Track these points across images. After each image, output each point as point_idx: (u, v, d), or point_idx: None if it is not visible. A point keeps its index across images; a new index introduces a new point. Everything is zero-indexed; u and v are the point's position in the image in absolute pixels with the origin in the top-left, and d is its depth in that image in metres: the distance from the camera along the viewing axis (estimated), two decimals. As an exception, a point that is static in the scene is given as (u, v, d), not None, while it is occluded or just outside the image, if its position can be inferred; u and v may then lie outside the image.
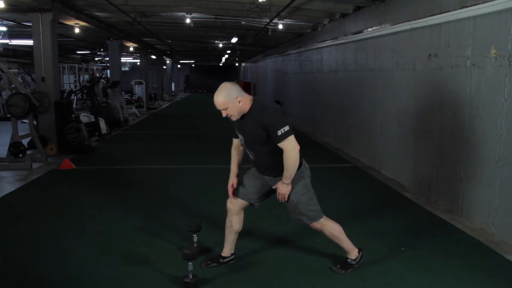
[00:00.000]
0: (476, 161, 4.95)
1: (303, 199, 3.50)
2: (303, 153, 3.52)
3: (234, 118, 3.42)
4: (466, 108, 5.13)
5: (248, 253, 4.09)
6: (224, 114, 3.36)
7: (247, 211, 3.81)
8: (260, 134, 3.35)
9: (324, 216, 3.62)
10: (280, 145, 3.29)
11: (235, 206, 3.71)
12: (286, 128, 3.27)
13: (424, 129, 6.16)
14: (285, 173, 3.36)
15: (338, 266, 3.76)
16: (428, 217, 5.33)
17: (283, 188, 3.41)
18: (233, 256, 3.88)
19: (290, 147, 3.29)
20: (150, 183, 6.86)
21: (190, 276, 3.42)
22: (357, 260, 3.72)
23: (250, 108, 3.37)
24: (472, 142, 5.03)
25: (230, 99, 3.30)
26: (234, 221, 3.75)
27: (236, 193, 3.70)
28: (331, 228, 3.65)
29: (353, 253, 3.72)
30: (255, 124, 3.34)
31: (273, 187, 3.53)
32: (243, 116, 3.40)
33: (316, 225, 3.61)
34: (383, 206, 5.77)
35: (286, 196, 3.44)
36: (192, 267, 3.41)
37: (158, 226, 4.85)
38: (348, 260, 3.73)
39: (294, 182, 3.45)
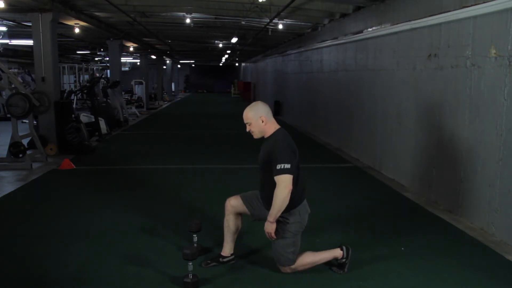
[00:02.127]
0: (476, 161, 4.95)
1: (279, 243, 3.53)
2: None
3: (254, 136, 3.58)
4: (466, 108, 5.13)
5: (248, 253, 4.09)
6: (247, 129, 3.56)
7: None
8: (265, 160, 3.46)
9: (295, 257, 3.58)
10: (276, 179, 3.33)
11: (232, 208, 3.75)
12: (288, 166, 3.31)
13: (424, 129, 6.16)
14: (271, 210, 3.38)
15: (337, 267, 3.76)
16: (428, 217, 5.33)
17: (267, 226, 3.46)
18: (233, 256, 3.88)
19: (282, 184, 3.31)
20: (150, 183, 6.86)
21: (190, 276, 3.42)
22: (345, 256, 3.71)
23: (272, 134, 3.52)
24: (472, 142, 5.03)
25: (254, 116, 3.49)
26: (231, 221, 3.77)
27: (242, 196, 3.75)
28: (302, 266, 3.64)
29: (338, 255, 3.71)
30: (267, 150, 3.47)
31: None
32: (265, 139, 3.55)
33: (286, 269, 3.63)
34: (383, 206, 5.77)
35: (272, 234, 3.46)
36: (192, 267, 3.41)
37: (158, 226, 4.86)
38: (339, 261, 3.74)
39: (278, 224, 3.49)
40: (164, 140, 12.02)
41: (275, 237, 3.49)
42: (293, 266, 3.61)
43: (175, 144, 11.29)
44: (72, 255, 4.10)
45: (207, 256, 3.99)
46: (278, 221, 3.49)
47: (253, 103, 3.60)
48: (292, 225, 3.52)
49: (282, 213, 3.45)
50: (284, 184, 3.31)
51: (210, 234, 4.48)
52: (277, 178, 3.33)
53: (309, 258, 3.66)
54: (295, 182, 3.38)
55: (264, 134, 3.54)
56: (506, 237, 4.45)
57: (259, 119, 3.48)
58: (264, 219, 3.60)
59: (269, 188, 3.42)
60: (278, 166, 3.30)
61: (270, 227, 3.45)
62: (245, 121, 3.54)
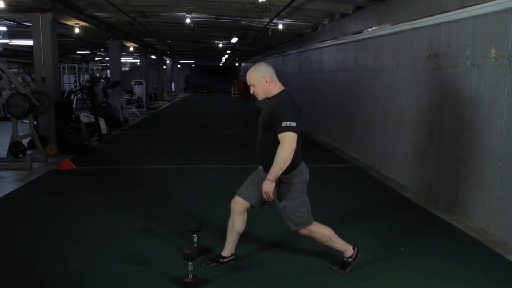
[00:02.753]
0: (476, 161, 4.95)
1: (291, 205, 3.50)
2: (302, 154, 3.52)
3: (258, 97, 3.53)
4: (466, 108, 5.13)
5: (248, 253, 4.09)
6: (251, 90, 3.52)
7: (248, 211, 3.80)
8: (267, 119, 3.41)
9: (314, 222, 3.60)
10: (280, 136, 3.28)
11: (238, 206, 3.70)
12: (293, 124, 3.26)
13: (424, 129, 6.16)
14: (271, 168, 3.31)
15: (338, 266, 3.76)
16: (428, 217, 5.33)
17: (265, 186, 3.37)
18: (233, 256, 3.88)
19: (287, 142, 3.25)
20: (150, 183, 6.86)
21: (190, 276, 3.42)
22: (353, 257, 3.71)
23: (276, 94, 3.47)
24: (472, 142, 5.03)
25: (257, 76, 3.45)
26: (237, 222, 3.74)
27: (240, 194, 3.71)
28: (320, 234, 3.63)
29: (348, 251, 3.71)
30: (270, 109, 3.41)
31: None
32: (268, 99, 3.50)
33: (304, 231, 3.60)
34: (383, 206, 5.77)
35: (270, 194, 3.38)
36: (192, 267, 3.41)
37: (158, 226, 4.85)
38: (345, 258, 3.73)
39: (283, 187, 3.47)
40: (164, 140, 12.02)
41: (272, 197, 3.43)
42: (311, 228, 3.57)
43: (175, 144, 11.29)
44: (72, 255, 4.10)
45: (207, 256, 3.99)
46: (284, 185, 3.45)
47: (256, 64, 3.55)
48: (298, 185, 3.50)
49: (285, 174, 3.41)
50: (289, 142, 3.25)
51: (210, 234, 4.48)
52: (282, 136, 3.27)
53: (329, 232, 3.65)
54: (297, 142, 3.36)
55: (268, 94, 3.49)
56: (506, 237, 4.45)
57: (262, 79, 3.44)
58: (263, 198, 3.58)
59: (270, 147, 3.36)
60: (284, 124, 3.25)
61: (269, 186, 3.35)
62: (249, 83, 3.51)
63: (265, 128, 3.48)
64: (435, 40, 5.78)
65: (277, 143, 3.30)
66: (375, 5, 7.75)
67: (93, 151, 9.63)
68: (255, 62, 28.54)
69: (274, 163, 3.30)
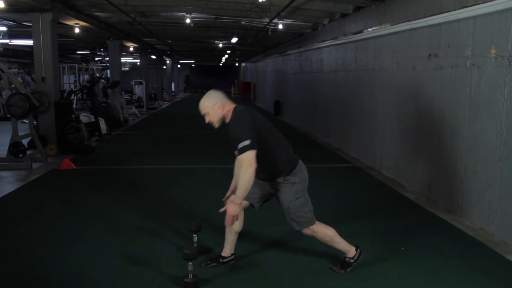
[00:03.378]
0: (476, 161, 4.95)
1: (294, 205, 3.50)
2: (302, 154, 3.52)
3: (215, 126, 3.51)
4: (466, 108, 5.13)
5: (248, 253, 4.09)
6: (206, 119, 3.47)
7: (248, 211, 3.81)
8: (233, 145, 3.37)
9: (316, 222, 3.60)
10: (238, 158, 3.28)
11: None
12: (247, 142, 3.22)
13: (424, 129, 6.16)
14: (237, 191, 3.29)
15: (338, 266, 3.75)
16: (428, 217, 5.33)
17: (231, 208, 3.28)
18: (233, 256, 3.88)
19: (246, 163, 3.22)
20: (150, 183, 6.86)
21: (190, 276, 3.42)
22: (355, 258, 3.71)
23: (231, 117, 3.44)
24: (472, 142, 5.03)
25: (210, 105, 3.41)
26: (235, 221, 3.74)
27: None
28: (323, 234, 3.63)
29: (350, 252, 3.71)
30: (230, 134, 3.40)
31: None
32: (227, 124, 3.47)
33: (307, 231, 3.60)
34: (383, 206, 5.77)
35: (235, 218, 3.33)
36: (192, 267, 3.41)
37: (158, 226, 4.85)
38: (346, 259, 3.73)
39: (285, 188, 3.48)
40: (164, 140, 12.02)
41: (235, 221, 3.40)
42: (314, 228, 3.57)
43: (175, 144, 11.30)
44: (72, 255, 4.10)
45: (207, 256, 3.99)
46: (286, 186, 3.47)
47: (206, 94, 3.50)
48: (299, 184, 3.50)
49: (286, 176, 3.44)
50: (247, 163, 3.22)
51: (210, 234, 4.48)
52: (240, 158, 3.26)
53: (332, 232, 3.65)
54: (272, 148, 3.39)
55: (225, 120, 3.46)
56: (506, 237, 4.45)
57: (215, 106, 3.40)
58: (266, 195, 3.62)
59: (259, 159, 3.34)
60: (239, 146, 3.23)
61: (234, 209, 3.27)
62: (202, 112, 3.46)
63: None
64: (435, 40, 5.78)
65: (261, 153, 3.28)
66: (375, 5, 7.75)
67: (93, 151, 9.63)
68: (255, 62, 28.58)
69: (238, 185, 3.29)
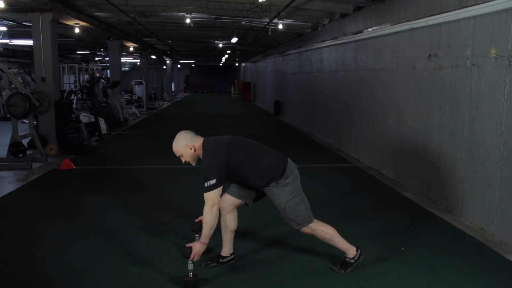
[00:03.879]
0: (476, 161, 4.95)
1: (290, 205, 3.51)
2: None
3: (193, 164, 3.60)
4: (466, 108, 5.13)
5: (248, 253, 4.09)
6: (182, 160, 3.55)
7: (248, 211, 3.81)
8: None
9: (315, 220, 3.61)
10: (204, 196, 3.36)
11: (227, 205, 3.72)
12: (213, 181, 3.32)
13: (424, 129, 6.16)
14: (203, 230, 3.38)
15: (338, 266, 3.75)
16: (428, 217, 5.33)
17: (196, 247, 3.36)
18: (232, 256, 3.88)
19: (210, 203, 3.34)
20: (150, 183, 6.86)
21: (191, 275, 3.42)
22: (355, 258, 3.71)
23: (201, 154, 3.51)
24: (472, 142, 5.03)
25: (181, 147, 3.51)
26: (229, 220, 3.76)
27: (231, 192, 3.73)
28: (323, 232, 3.64)
29: (350, 252, 3.71)
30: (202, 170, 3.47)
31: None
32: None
33: (306, 230, 3.61)
34: (383, 206, 5.77)
35: (198, 256, 3.38)
36: (192, 266, 3.41)
37: (158, 226, 4.86)
38: (347, 259, 3.72)
39: (280, 189, 3.50)
40: (164, 140, 11.96)
41: (197, 259, 3.42)
42: (313, 226, 3.59)
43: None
44: (72, 255, 4.10)
45: (207, 256, 3.98)
46: (280, 188, 3.49)
47: (176, 136, 3.57)
48: (293, 184, 3.52)
49: (278, 180, 3.48)
50: (211, 202, 3.35)
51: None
52: (205, 196, 3.37)
53: (331, 230, 3.66)
54: (254, 161, 3.48)
55: (200, 157, 3.53)
56: (506, 237, 4.45)
57: (186, 148, 3.49)
58: (259, 193, 3.64)
59: (244, 178, 3.52)
60: (206, 184, 3.34)
61: (200, 248, 3.37)
62: (177, 155, 3.57)
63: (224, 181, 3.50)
64: (435, 40, 5.78)
65: (244, 172, 3.44)
66: (375, 5, 7.75)
67: (93, 151, 9.63)
68: (255, 62, 28.58)
69: (204, 224, 3.39)
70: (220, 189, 3.37)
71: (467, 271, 3.82)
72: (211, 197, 3.35)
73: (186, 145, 3.49)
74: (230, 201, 3.71)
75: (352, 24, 9.05)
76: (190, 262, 3.41)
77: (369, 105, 8.20)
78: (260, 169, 3.51)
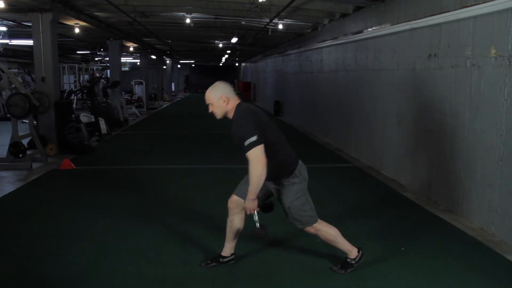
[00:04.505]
0: (476, 161, 4.95)
1: (295, 204, 3.52)
2: (302, 154, 3.52)
3: (217, 117, 3.52)
4: (466, 108, 5.13)
5: (248, 253, 4.09)
6: (209, 109, 3.49)
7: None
8: (237, 143, 3.37)
9: (319, 221, 3.61)
10: (246, 156, 3.27)
11: (236, 206, 3.70)
12: (253, 138, 3.23)
13: (424, 129, 6.16)
14: (249, 187, 3.33)
15: (339, 266, 3.75)
16: (428, 217, 5.33)
17: (248, 204, 3.40)
18: (233, 256, 3.88)
19: (254, 160, 3.25)
20: (150, 183, 6.86)
21: (258, 226, 3.45)
22: (356, 259, 3.71)
23: (234, 113, 3.45)
24: (472, 142, 5.03)
25: (215, 96, 3.44)
26: (235, 221, 3.73)
27: (238, 193, 3.71)
28: (326, 232, 3.64)
29: (352, 253, 3.71)
30: (233, 132, 3.40)
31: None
32: (230, 121, 3.47)
33: (310, 229, 3.62)
34: (383, 206, 5.77)
35: (252, 211, 3.42)
36: (257, 217, 3.45)
37: (158, 226, 4.85)
38: (348, 260, 3.72)
39: (286, 188, 3.50)
40: (164, 140, 12.02)
41: (255, 212, 3.44)
42: (317, 226, 3.59)
43: (175, 144, 11.29)
44: (72, 255, 4.10)
45: (206, 257, 3.98)
46: (286, 186, 3.49)
47: (213, 84, 3.53)
48: (299, 184, 3.52)
49: (287, 177, 3.46)
50: (256, 159, 3.24)
51: (211, 234, 4.49)
52: (248, 155, 3.26)
53: (335, 231, 3.66)
54: (275, 149, 3.38)
55: (228, 114, 3.47)
56: (506, 237, 4.45)
57: (220, 99, 3.42)
58: (265, 194, 3.61)
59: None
60: (246, 143, 3.24)
61: (251, 205, 3.38)
62: (207, 102, 3.49)
63: (241, 151, 3.43)
64: (435, 40, 5.78)
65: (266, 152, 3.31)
66: (375, 5, 7.75)
67: (93, 151, 9.63)
68: (255, 62, 28.57)
69: (250, 182, 3.33)
70: (262, 146, 3.24)
71: (467, 271, 3.82)
72: (254, 155, 3.23)
73: (221, 96, 3.42)
74: (239, 201, 3.70)
75: (352, 24, 9.05)
76: (255, 218, 3.43)
77: (369, 105, 8.20)
78: (277, 158, 3.44)
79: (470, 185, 5.08)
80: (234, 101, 3.46)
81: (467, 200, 5.12)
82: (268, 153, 3.32)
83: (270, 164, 3.36)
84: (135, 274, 3.69)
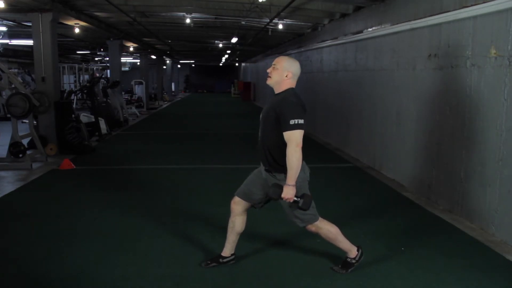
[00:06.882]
0: (476, 161, 4.95)
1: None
2: (302, 154, 3.51)
3: (268, 80, 3.52)
4: (466, 108, 5.13)
5: (248, 253, 4.09)
6: (269, 69, 3.51)
7: (248, 211, 3.80)
8: (272, 115, 3.38)
9: (320, 219, 3.61)
10: (286, 134, 3.26)
11: (238, 207, 3.70)
12: (301, 121, 3.26)
13: (424, 129, 6.16)
14: (288, 172, 3.30)
15: (339, 266, 3.76)
16: (428, 217, 5.33)
17: (287, 192, 3.31)
18: (233, 256, 3.88)
19: (295, 142, 3.24)
20: (150, 183, 6.86)
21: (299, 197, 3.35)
22: (356, 259, 3.71)
23: (283, 91, 3.46)
24: (472, 142, 5.03)
25: (285, 67, 3.44)
26: (237, 222, 3.73)
27: (239, 194, 3.71)
28: (327, 231, 3.64)
29: (352, 252, 3.72)
30: (275, 105, 3.40)
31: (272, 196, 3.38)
32: (274, 95, 3.50)
33: (311, 228, 3.61)
34: (383, 206, 5.77)
35: (291, 199, 3.34)
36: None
37: (158, 226, 4.85)
38: (348, 259, 3.73)
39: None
40: (164, 140, 12.01)
41: (292, 200, 3.37)
42: (318, 224, 3.58)
43: (175, 144, 11.29)
44: (72, 255, 4.10)
45: (206, 257, 3.98)
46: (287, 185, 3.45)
47: (291, 58, 3.56)
48: (302, 183, 3.50)
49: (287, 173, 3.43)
50: (296, 142, 3.23)
51: (212, 233, 4.49)
52: (289, 134, 3.24)
53: (335, 230, 3.65)
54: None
55: (278, 87, 3.49)
56: (506, 237, 4.45)
57: (286, 71, 3.44)
58: (267, 196, 3.57)
59: (275, 147, 3.40)
60: (292, 121, 3.22)
61: (290, 192, 3.29)
62: (274, 63, 3.50)
63: (269, 125, 3.44)
64: (435, 40, 5.78)
65: (283, 142, 3.30)
66: (375, 5, 7.75)
67: (93, 151, 9.63)
68: (255, 62, 28.56)
69: (289, 166, 3.28)
70: (303, 132, 3.24)
71: (467, 271, 3.82)
72: (296, 137, 3.22)
73: (289, 71, 3.43)
74: (241, 203, 3.70)
75: (352, 24, 9.05)
76: (300, 203, 3.34)
77: (369, 105, 8.20)
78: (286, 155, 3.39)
79: (470, 185, 5.08)
80: (292, 84, 3.49)
81: (467, 200, 5.12)
82: (284, 146, 3.33)
83: (282, 155, 3.34)
84: (135, 274, 3.69)
